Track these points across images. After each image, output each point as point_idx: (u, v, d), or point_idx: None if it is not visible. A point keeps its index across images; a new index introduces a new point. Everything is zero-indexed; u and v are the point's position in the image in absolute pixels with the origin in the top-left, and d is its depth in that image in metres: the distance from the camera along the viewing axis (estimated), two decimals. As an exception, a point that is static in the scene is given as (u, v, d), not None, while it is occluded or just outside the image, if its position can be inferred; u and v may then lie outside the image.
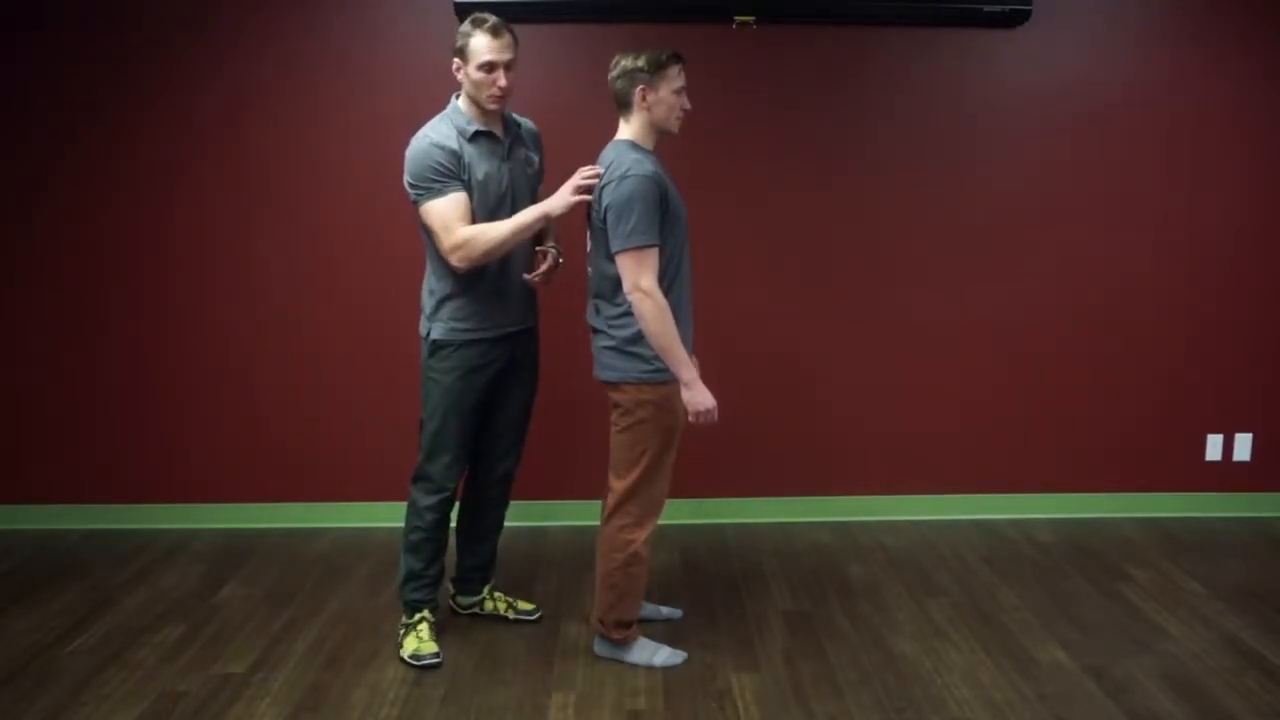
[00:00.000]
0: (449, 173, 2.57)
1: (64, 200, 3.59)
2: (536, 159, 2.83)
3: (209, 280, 3.65)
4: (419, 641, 2.78)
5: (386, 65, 3.51)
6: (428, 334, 2.73)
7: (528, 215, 2.60)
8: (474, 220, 2.61)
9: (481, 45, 2.56)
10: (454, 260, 2.57)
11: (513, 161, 2.72)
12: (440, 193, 2.57)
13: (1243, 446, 3.84)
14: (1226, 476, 3.86)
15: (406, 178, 2.61)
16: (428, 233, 2.64)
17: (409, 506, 2.81)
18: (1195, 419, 3.83)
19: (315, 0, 3.49)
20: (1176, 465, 3.86)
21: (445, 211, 2.56)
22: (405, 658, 2.76)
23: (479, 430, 2.83)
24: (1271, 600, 3.15)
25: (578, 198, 2.56)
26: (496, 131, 2.68)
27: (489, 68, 2.58)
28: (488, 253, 2.58)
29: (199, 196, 3.59)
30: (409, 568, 2.82)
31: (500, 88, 2.59)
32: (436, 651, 2.77)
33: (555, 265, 2.75)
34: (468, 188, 2.60)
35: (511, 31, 2.62)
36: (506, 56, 2.59)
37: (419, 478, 2.79)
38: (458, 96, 2.68)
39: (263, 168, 3.58)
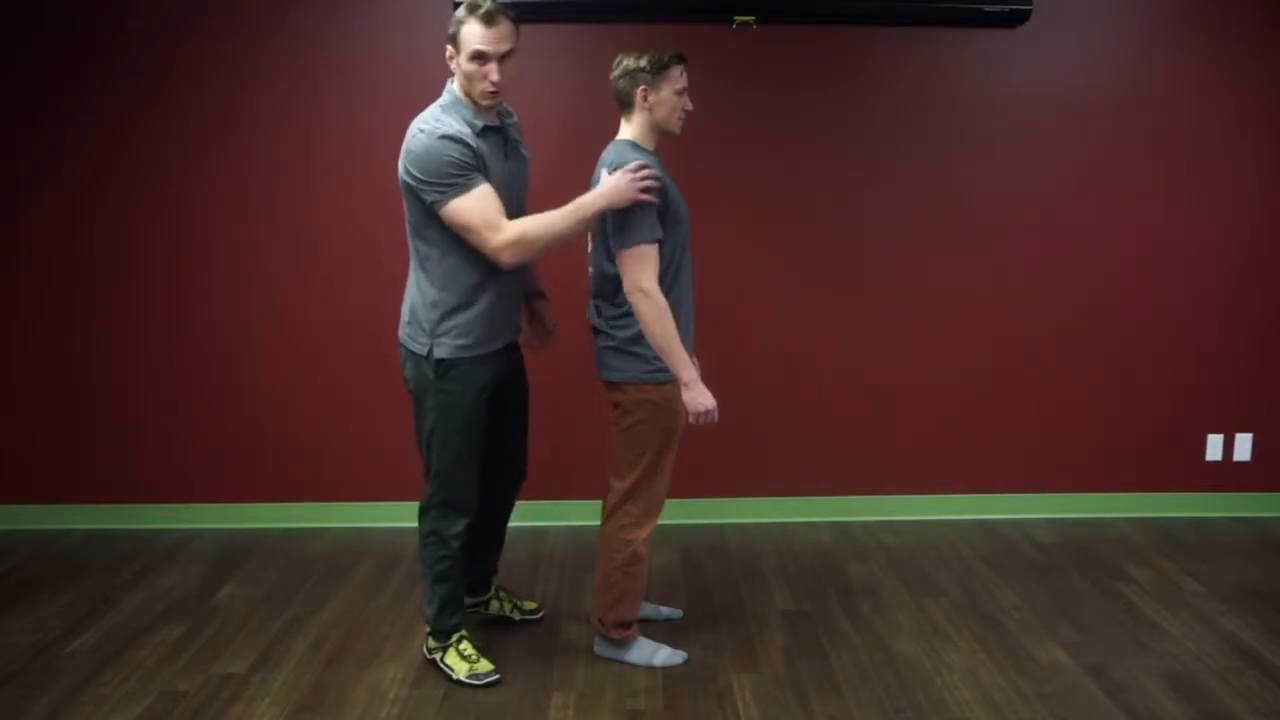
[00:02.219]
0: (470, 165, 2.37)
1: (64, 200, 3.59)
2: (526, 152, 2.69)
3: (209, 280, 3.64)
4: (470, 663, 2.66)
5: (384, 65, 3.50)
6: (429, 352, 2.52)
7: (586, 210, 2.41)
8: None
9: (473, 33, 2.36)
10: (504, 258, 2.39)
11: (514, 159, 2.59)
12: (467, 188, 2.36)
13: (1243, 446, 3.84)
14: (1226, 476, 3.86)
15: (419, 175, 2.38)
16: (418, 227, 2.48)
17: (429, 539, 2.63)
18: (1195, 419, 3.83)
19: (316, 3, 3.49)
20: (1176, 465, 3.86)
21: (482, 207, 2.36)
22: (462, 679, 2.64)
23: (491, 445, 2.72)
24: (1271, 600, 3.15)
25: (645, 197, 2.41)
26: (497, 125, 2.53)
27: (480, 58, 2.38)
28: (544, 249, 2.42)
29: (198, 197, 3.59)
30: (443, 598, 2.66)
31: (492, 83, 2.40)
32: (494, 668, 2.68)
33: (550, 330, 2.86)
34: None
35: (511, 19, 2.43)
36: (502, 47, 2.39)
37: (440, 504, 2.60)
38: (452, 82, 2.49)
39: (263, 167, 3.58)
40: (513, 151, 2.61)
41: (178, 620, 3.04)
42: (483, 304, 2.53)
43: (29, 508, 3.78)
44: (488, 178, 2.44)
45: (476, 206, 2.37)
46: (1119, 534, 3.70)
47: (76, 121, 3.54)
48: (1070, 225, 3.70)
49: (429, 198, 2.39)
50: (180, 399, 3.71)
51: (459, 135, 2.39)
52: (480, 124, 2.46)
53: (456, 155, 2.37)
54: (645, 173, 2.43)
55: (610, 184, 2.43)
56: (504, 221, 2.39)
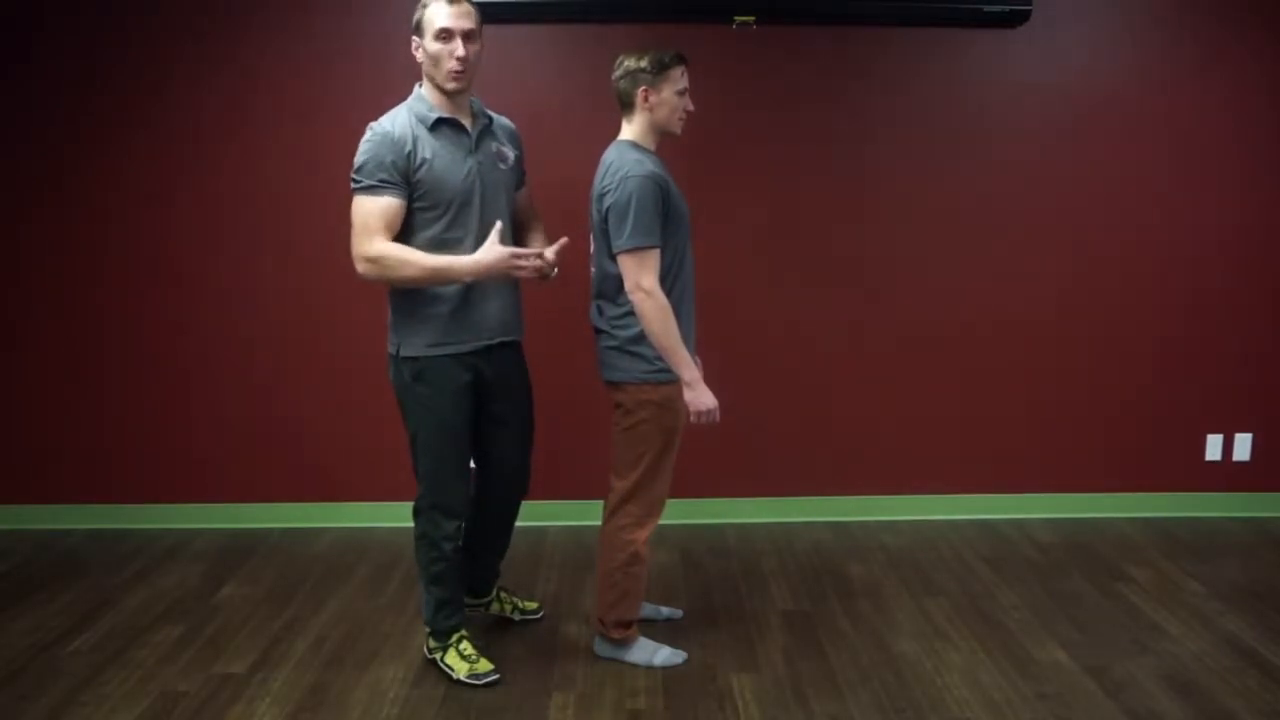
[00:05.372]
0: (393, 174, 2.40)
1: (65, 201, 3.59)
2: (512, 155, 2.65)
3: (209, 280, 3.64)
4: (470, 663, 2.66)
5: (388, 67, 3.50)
6: (398, 350, 2.54)
7: (450, 274, 2.43)
8: (416, 220, 2.46)
9: (437, 13, 2.41)
10: (358, 268, 2.44)
11: (481, 155, 2.54)
12: (374, 192, 2.41)
13: (1243, 446, 3.84)
14: (1226, 476, 3.86)
15: (354, 161, 2.44)
16: (407, 231, 2.48)
17: (421, 540, 2.64)
18: (1195, 419, 3.83)
19: (318, 3, 3.49)
20: (1176, 465, 3.86)
21: (371, 214, 2.41)
22: (462, 679, 2.64)
23: (487, 455, 2.73)
24: (1271, 600, 3.15)
25: (516, 273, 2.44)
26: (463, 121, 2.51)
27: (445, 36, 2.40)
28: (394, 280, 2.45)
29: (199, 198, 3.59)
30: (438, 599, 2.67)
31: (459, 59, 2.41)
32: (494, 668, 2.68)
33: (544, 271, 2.53)
34: (416, 184, 2.44)
35: (474, 4, 2.47)
36: (466, 25, 2.42)
37: (428, 508, 2.61)
38: (420, 85, 2.53)
39: (265, 168, 3.58)
40: (484, 149, 2.57)
41: (178, 620, 3.04)
42: (450, 300, 2.51)
43: (29, 508, 3.78)
44: (426, 174, 2.44)
45: (370, 212, 2.42)
46: (1119, 534, 3.70)
47: (77, 123, 3.54)
48: (1070, 225, 3.70)
49: (351, 184, 2.44)
50: (181, 399, 3.71)
51: (401, 138, 2.42)
52: (434, 116, 2.47)
53: (388, 160, 2.40)
54: (525, 263, 2.44)
55: (491, 257, 2.42)
56: (378, 238, 2.41)
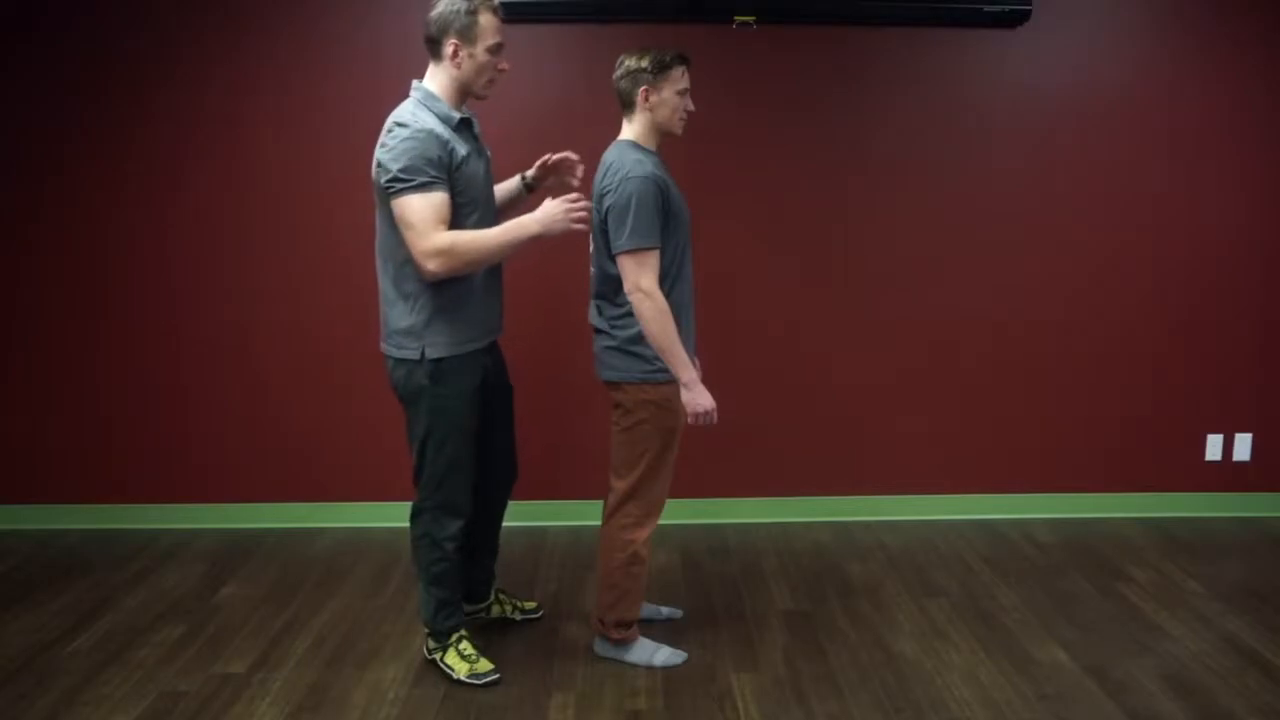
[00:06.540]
0: (439, 170, 2.37)
1: (65, 200, 3.59)
2: (489, 151, 2.70)
3: (209, 280, 3.64)
4: (470, 663, 2.67)
5: (387, 64, 3.50)
6: (421, 353, 2.49)
7: (521, 231, 2.42)
8: (455, 220, 2.43)
9: (490, 25, 2.43)
10: (429, 266, 2.35)
11: (483, 155, 2.60)
12: (425, 189, 2.35)
13: (1243, 446, 3.84)
14: (1226, 476, 3.87)
15: (392, 166, 2.35)
16: (393, 230, 2.42)
17: (422, 540, 2.62)
18: (1195, 419, 3.83)
19: (318, 2, 3.49)
20: (1176, 465, 3.86)
21: (428, 211, 2.35)
22: (462, 679, 2.65)
23: (487, 446, 2.73)
24: (1271, 600, 3.15)
25: (578, 227, 2.45)
26: (468, 116, 2.54)
27: (498, 49, 2.46)
28: (471, 264, 2.40)
29: (200, 196, 3.59)
30: (439, 599, 2.66)
31: (502, 71, 2.49)
32: (494, 667, 2.68)
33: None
34: (455, 181, 2.42)
35: None
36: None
37: (433, 508, 2.59)
38: (425, 82, 2.50)
39: (264, 168, 3.58)
40: (481, 148, 2.61)
41: (178, 620, 3.04)
42: (474, 292, 2.52)
43: (29, 508, 3.78)
44: (461, 172, 2.43)
45: (426, 208, 2.35)
46: (1119, 534, 3.70)
47: (79, 122, 3.54)
48: (1070, 225, 3.70)
49: (391, 187, 2.36)
50: (180, 399, 3.71)
51: (442, 134, 2.40)
52: (457, 116, 2.48)
53: (435, 155, 2.37)
54: (581, 204, 2.44)
55: (546, 210, 2.44)
56: (441, 230, 2.37)
